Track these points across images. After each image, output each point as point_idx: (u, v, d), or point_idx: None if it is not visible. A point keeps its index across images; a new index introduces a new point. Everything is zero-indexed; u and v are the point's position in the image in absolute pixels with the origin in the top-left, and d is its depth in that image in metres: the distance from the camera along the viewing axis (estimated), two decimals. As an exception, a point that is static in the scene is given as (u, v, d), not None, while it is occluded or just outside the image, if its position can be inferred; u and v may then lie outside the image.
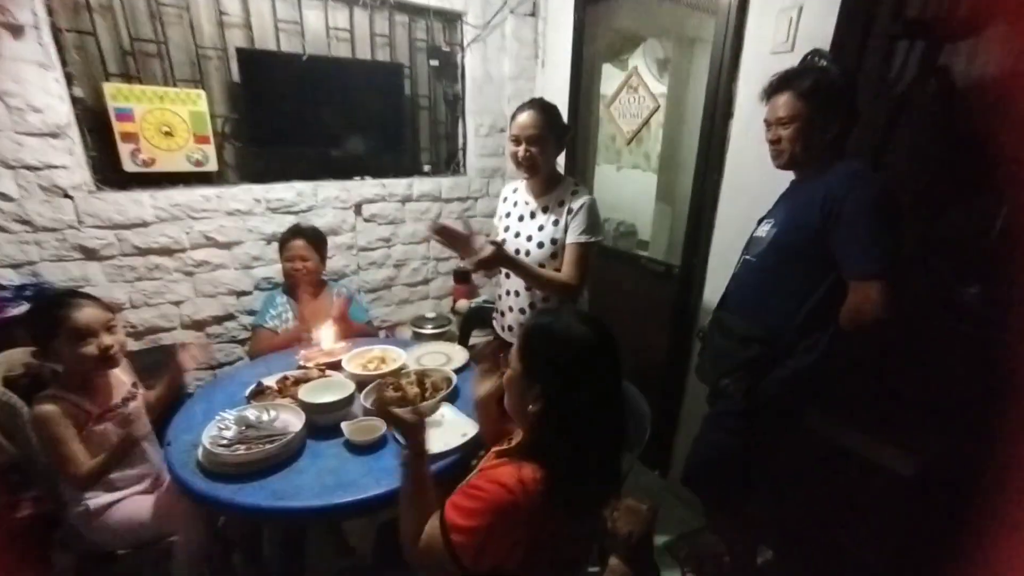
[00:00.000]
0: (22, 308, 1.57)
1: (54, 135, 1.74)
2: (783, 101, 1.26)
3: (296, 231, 1.97)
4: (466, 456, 1.30)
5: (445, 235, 1.44)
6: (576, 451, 0.85)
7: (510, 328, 1.71)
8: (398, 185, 2.53)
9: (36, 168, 1.73)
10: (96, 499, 1.32)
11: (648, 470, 2.30)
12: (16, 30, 1.62)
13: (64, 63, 1.75)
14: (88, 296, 1.30)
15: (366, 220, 2.49)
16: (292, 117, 2.20)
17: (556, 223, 1.54)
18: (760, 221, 1.43)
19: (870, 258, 1.12)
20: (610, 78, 2.59)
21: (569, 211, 1.53)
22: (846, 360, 1.28)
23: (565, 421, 0.85)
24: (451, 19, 2.56)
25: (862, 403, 1.47)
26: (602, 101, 2.63)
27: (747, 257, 1.41)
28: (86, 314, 1.23)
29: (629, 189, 3.27)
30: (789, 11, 1.59)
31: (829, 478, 1.54)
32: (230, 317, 2.24)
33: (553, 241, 1.55)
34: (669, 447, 2.20)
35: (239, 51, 2.05)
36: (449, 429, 1.35)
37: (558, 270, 1.56)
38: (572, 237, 1.52)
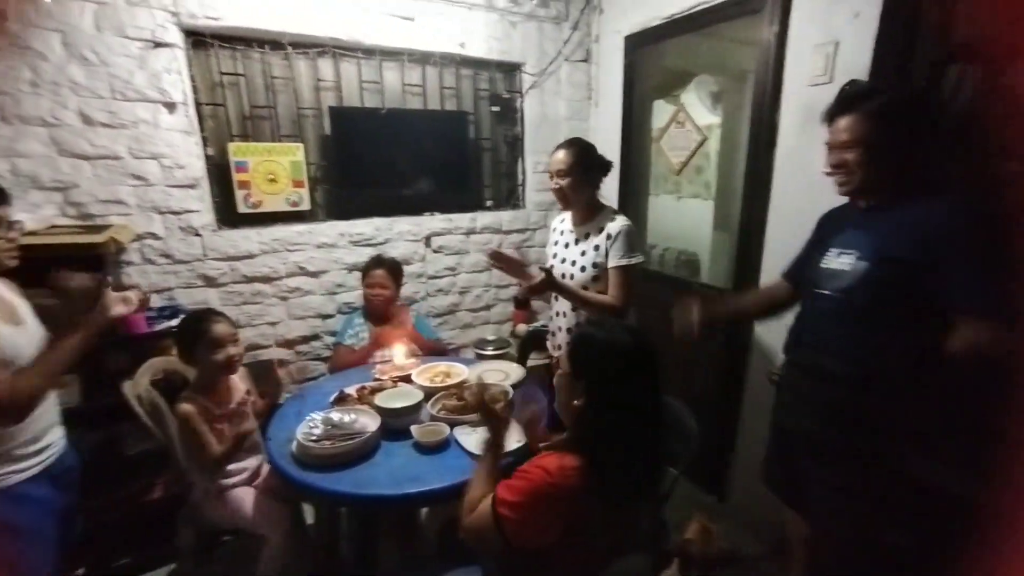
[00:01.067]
0: (164, 325, 1.92)
1: (191, 186, 2.14)
2: (846, 124, 1.18)
3: (378, 262, 2.25)
4: (519, 460, 1.43)
5: (501, 260, 1.66)
6: (612, 442, 0.98)
7: (560, 347, 1.85)
8: (463, 219, 2.78)
9: (177, 212, 2.13)
10: (213, 482, 1.58)
11: (705, 494, 2.30)
12: (171, 106, 2.05)
13: (202, 129, 2.17)
14: (221, 314, 1.60)
15: (434, 251, 2.75)
16: (372, 162, 2.52)
17: (596, 248, 1.69)
18: (827, 250, 1.29)
19: (987, 295, 1.04)
20: (662, 113, 2.73)
21: (608, 236, 1.67)
22: (950, 399, 1.19)
23: (603, 415, 0.99)
24: (510, 69, 2.83)
25: (963, 443, 1.30)
26: (654, 135, 2.77)
27: (825, 292, 1.26)
28: (220, 328, 1.53)
29: (689, 218, 3.32)
30: (826, 46, 1.67)
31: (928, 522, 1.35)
32: (316, 337, 2.55)
33: (595, 265, 1.69)
34: (726, 472, 2.21)
35: (331, 109, 2.40)
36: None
37: (601, 291, 1.69)
38: (613, 261, 1.66)
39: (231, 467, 1.59)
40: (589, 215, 1.75)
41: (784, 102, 1.84)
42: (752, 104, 1.94)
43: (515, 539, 0.97)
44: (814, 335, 1.31)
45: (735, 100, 2.59)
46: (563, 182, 1.68)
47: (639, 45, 2.61)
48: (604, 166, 1.75)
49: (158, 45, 1.99)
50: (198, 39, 2.10)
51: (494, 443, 1.19)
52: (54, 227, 1.85)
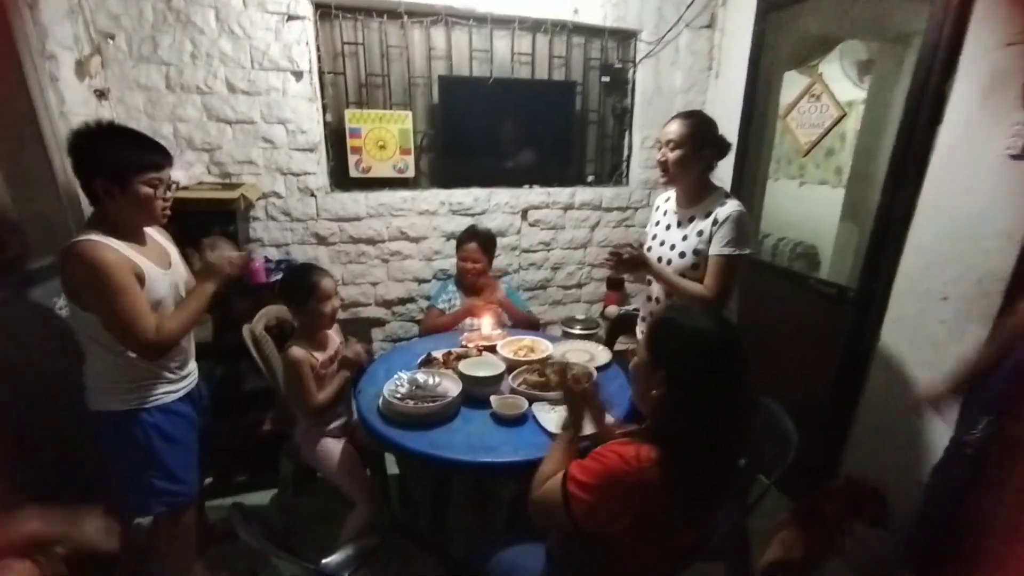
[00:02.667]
0: (278, 277, 2.12)
1: (311, 150, 2.31)
2: None
3: (472, 234, 2.27)
4: (597, 444, 1.39)
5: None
6: (691, 438, 0.90)
7: None
8: (562, 194, 2.72)
9: (297, 174, 2.32)
10: (311, 426, 1.72)
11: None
12: (298, 75, 2.21)
13: (322, 97, 2.32)
14: (325, 270, 1.72)
15: (530, 224, 2.73)
16: (476, 132, 2.54)
17: (700, 234, 1.54)
18: None
19: None
20: (792, 86, 2.42)
21: (715, 221, 1.51)
22: None
23: (684, 406, 0.92)
24: (626, 37, 2.67)
25: None
26: (781, 111, 2.48)
27: None
28: (327, 283, 1.65)
29: (811, 207, 2.96)
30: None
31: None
32: (411, 300, 2.67)
33: (695, 252, 1.54)
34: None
35: (441, 78, 2.44)
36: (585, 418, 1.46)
37: (700, 281, 1.56)
38: (715, 248, 1.50)
39: (327, 418, 1.72)
40: (697, 197, 1.59)
41: (961, 67, 1.52)
42: (915, 71, 1.63)
43: (581, 519, 0.95)
44: None
45: (889, 69, 2.22)
46: (671, 155, 1.53)
47: (775, 6, 2.32)
48: (721, 147, 1.56)
49: (291, 18, 2.14)
50: (324, 10, 2.23)
51: (573, 423, 1.16)
52: (201, 183, 2.10)
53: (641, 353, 1.01)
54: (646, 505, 0.90)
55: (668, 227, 1.65)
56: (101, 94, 1.96)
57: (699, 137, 1.52)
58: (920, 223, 1.62)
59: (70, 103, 1.75)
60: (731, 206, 1.51)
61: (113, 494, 1.40)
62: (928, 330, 1.59)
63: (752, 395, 1.00)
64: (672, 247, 1.60)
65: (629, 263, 1.53)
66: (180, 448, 1.41)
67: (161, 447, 1.36)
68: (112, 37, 1.97)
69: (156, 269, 1.32)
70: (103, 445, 1.34)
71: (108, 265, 1.18)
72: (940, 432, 1.50)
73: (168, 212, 1.34)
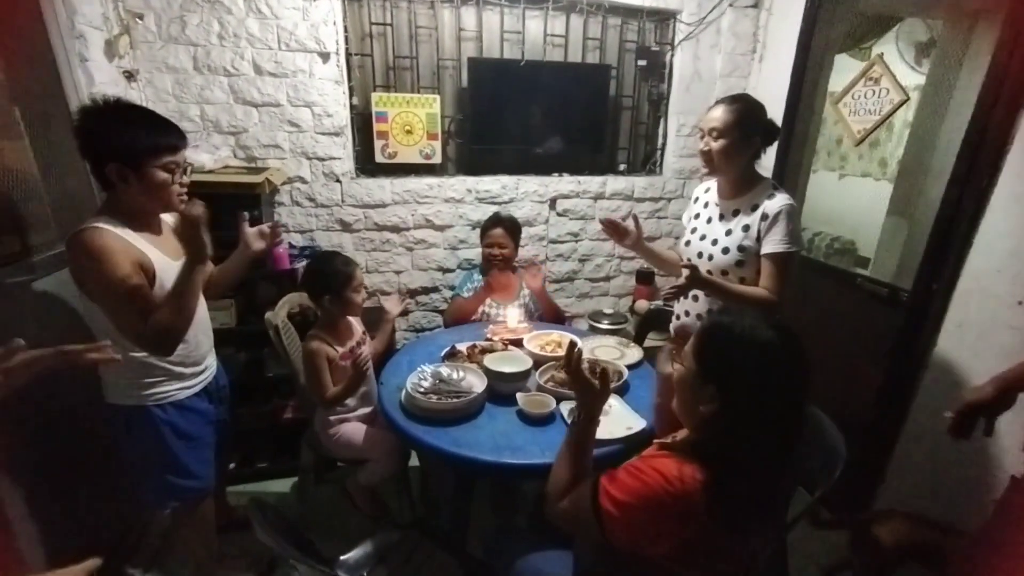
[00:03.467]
0: (302, 264, 2.08)
1: (337, 134, 2.26)
2: None
3: (496, 220, 2.21)
4: (628, 450, 1.32)
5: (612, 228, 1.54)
6: (745, 459, 0.81)
7: (682, 332, 1.65)
8: (592, 182, 2.62)
9: (323, 159, 2.28)
10: (333, 415, 1.69)
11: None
12: (325, 56, 2.16)
13: (349, 79, 2.26)
14: (350, 258, 1.69)
15: (559, 214, 2.64)
16: (505, 117, 2.45)
17: (746, 228, 1.43)
18: None
19: None
20: (841, 71, 2.26)
21: (763, 216, 1.40)
22: None
23: (738, 426, 0.82)
24: (664, 18, 2.53)
25: None
26: (829, 98, 2.32)
27: None
28: (358, 273, 1.64)
29: (852, 200, 2.81)
30: None
31: None
32: (435, 289, 2.62)
33: (740, 248, 1.44)
34: (870, 504, 1.86)
35: (470, 60, 2.36)
36: (615, 419, 1.39)
37: (743, 279, 1.45)
38: (771, 246, 1.39)
39: (349, 402, 1.69)
40: (741, 188, 1.48)
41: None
42: (996, 49, 1.47)
43: (615, 538, 0.87)
44: None
45: (952, 52, 2.04)
46: (715, 144, 1.41)
47: (830, -19, 2.16)
48: (770, 132, 1.44)
49: (318, -3, 2.08)
50: (353, -11, 2.16)
51: (586, 417, 1.03)
52: (227, 167, 2.08)
53: (688, 363, 0.90)
54: (689, 531, 0.82)
55: (709, 220, 1.54)
56: (130, 75, 1.94)
57: (746, 124, 1.40)
58: (993, 219, 1.48)
59: (99, 83, 1.74)
60: (780, 199, 1.40)
61: (129, 486, 1.39)
62: (996, 338, 1.45)
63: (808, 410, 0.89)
64: (714, 242, 1.50)
65: (689, 286, 1.36)
66: (194, 444, 1.38)
67: (175, 444, 1.34)
68: (141, 17, 1.95)
69: (168, 260, 1.26)
70: (117, 438, 1.33)
71: (107, 252, 1.11)
72: (1010, 453, 1.38)
73: (184, 198, 1.25)
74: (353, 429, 1.70)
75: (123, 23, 1.90)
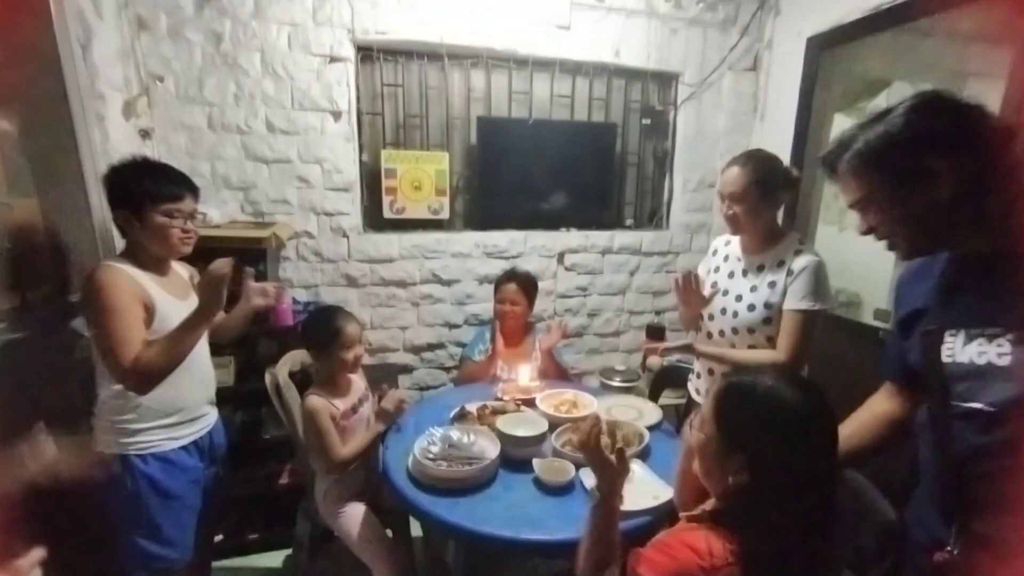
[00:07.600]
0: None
1: (346, 190, 2.27)
2: None
3: (512, 275, 2.14)
4: (656, 521, 1.21)
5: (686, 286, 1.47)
6: (777, 530, 0.74)
7: (700, 391, 1.58)
8: (600, 237, 2.61)
9: (331, 214, 2.27)
10: (332, 484, 1.57)
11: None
12: (337, 115, 2.20)
13: (359, 136, 2.29)
14: (350, 313, 1.62)
15: (567, 269, 2.61)
16: (513, 173, 2.47)
17: (772, 285, 1.39)
18: (943, 334, 0.82)
19: None
20: (841, 128, 2.31)
21: (789, 272, 1.36)
22: None
23: (770, 495, 0.75)
24: (667, 79, 2.62)
25: None
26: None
27: (968, 405, 0.78)
28: (353, 328, 1.54)
29: (854, 252, 2.80)
30: None
31: None
32: (441, 346, 2.54)
33: (767, 305, 1.39)
34: None
35: (479, 118, 2.41)
36: (639, 488, 1.28)
37: (770, 338, 1.39)
38: (792, 303, 1.34)
39: (350, 478, 1.58)
40: (766, 243, 1.44)
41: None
42: (1001, 109, 1.50)
43: None
44: (955, 489, 0.82)
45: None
46: (737, 208, 1.39)
47: (825, 47, 2.25)
48: (791, 182, 1.42)
49: (333, 60, 2.15)
50: (366, 53, 2.23)
51: (608, 494, 0.96)
52: (234, 222, 2.06)
53: (709, 430, 0.84)
54: None
55: (731, 274, 1.50)
56: (145, 133, 1.97)
57: (765, 182, 1.38)
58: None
59: (114, 141, 1.75)
60: (807, 257, 1.36)
61: (101, 549, 1.27)
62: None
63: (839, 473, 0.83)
64: (738, 298, 1.45)
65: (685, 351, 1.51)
66: (175, 505, 1.29)
67: (151, 500, 1.25)
68: (161, 79, 1.99)
69: (171, 299, 1.29)
70: (96, 490, 1.24)
71: (109, 284, 1.17)
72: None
73: (189, 243, 1.32)
74: (354, 512, 1.55)
75: (143, 85, 1.94)
